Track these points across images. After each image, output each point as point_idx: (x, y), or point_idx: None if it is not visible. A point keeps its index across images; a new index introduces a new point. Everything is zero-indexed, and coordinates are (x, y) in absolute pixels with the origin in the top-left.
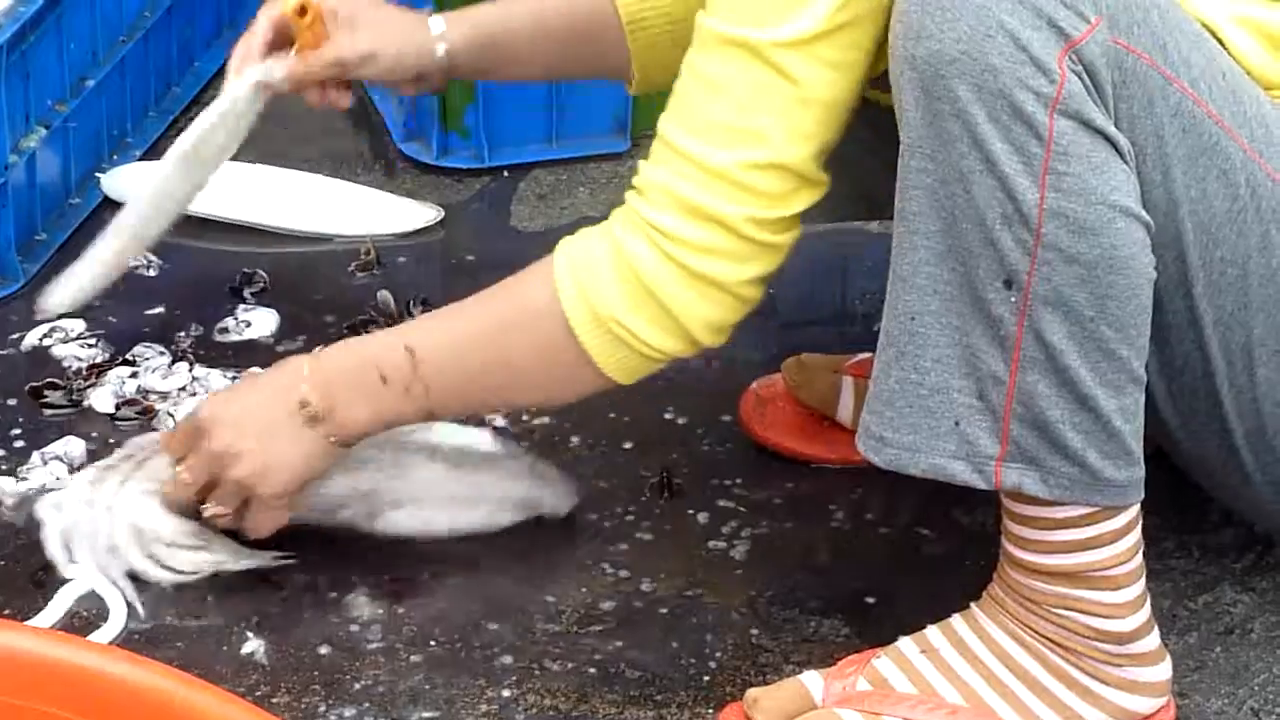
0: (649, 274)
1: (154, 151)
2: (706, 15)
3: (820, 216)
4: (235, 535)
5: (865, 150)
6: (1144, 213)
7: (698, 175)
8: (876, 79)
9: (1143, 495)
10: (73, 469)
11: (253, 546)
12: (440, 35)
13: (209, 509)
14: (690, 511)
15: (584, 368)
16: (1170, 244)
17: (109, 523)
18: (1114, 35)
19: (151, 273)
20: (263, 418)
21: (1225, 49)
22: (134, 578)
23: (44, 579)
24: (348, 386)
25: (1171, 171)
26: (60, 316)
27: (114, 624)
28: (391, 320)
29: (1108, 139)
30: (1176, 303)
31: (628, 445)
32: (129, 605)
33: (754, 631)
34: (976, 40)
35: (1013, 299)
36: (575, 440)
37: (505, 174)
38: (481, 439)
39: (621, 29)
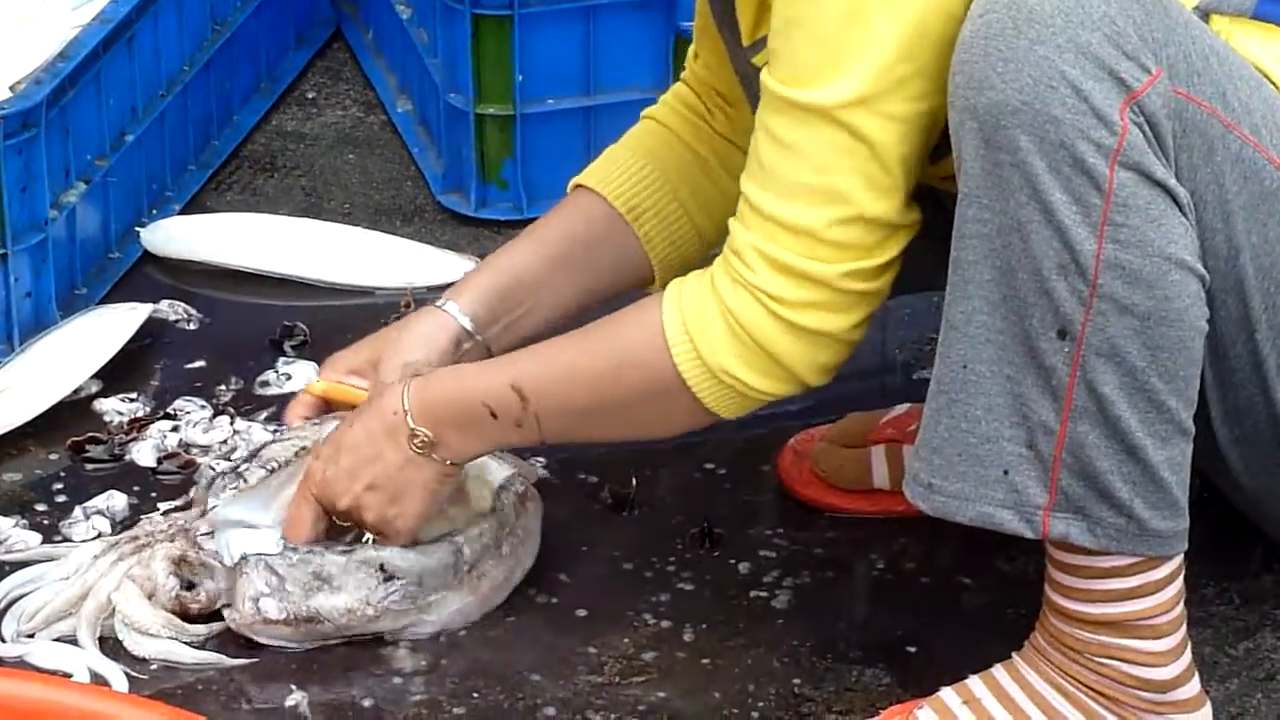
0: (759, 332)
1: (194, 205)
2: (770, 77)
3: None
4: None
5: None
6: (1200, 266)
7: (788, 238)
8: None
9: (1186, 545)
10: (115, 523)
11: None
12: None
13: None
14: (731, 561)
15: (692, 410)
16: (1232, 289)
17: (73, 592)
18: (1175, 85)
19: (192, 326)
20: (380, 462)
21: (1277, 89)
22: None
23: None
24: (457, 424)
25: (1232, 218)
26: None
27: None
28: None
29: (1167, 191)
30: (1239, 348)
31: (668, 496)
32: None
33: (796, 681)
34: (1039, 91)
35: (1066, 349)
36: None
37: None
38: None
39: (626, 223)
